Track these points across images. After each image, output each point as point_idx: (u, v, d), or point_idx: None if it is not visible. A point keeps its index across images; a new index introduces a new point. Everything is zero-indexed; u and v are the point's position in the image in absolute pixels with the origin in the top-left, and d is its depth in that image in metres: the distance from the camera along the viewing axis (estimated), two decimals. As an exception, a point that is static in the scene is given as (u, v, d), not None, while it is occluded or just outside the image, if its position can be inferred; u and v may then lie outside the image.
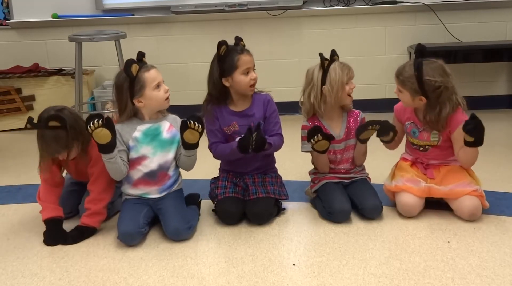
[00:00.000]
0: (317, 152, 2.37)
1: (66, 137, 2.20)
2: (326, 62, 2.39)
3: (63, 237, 2.28)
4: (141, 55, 2.28)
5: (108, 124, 2.13)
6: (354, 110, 2.52)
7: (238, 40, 2.41)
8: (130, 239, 2.20)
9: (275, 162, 2.58)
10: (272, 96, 2.51)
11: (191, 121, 2.15)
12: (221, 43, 2.35)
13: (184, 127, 2.18)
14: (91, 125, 2.09)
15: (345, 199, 2.38)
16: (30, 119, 2.21)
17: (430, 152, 2.41)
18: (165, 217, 2.26)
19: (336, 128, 2.45)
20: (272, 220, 2.41)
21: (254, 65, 2.40)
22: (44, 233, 2.30)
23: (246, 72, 2.36)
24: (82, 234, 2.31)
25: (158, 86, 2.24)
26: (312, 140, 2.30)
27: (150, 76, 2.23)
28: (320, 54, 2.40)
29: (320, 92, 2.41)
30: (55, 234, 2.29)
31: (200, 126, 2.16)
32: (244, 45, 2.41)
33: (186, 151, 2.25)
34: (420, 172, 2.41)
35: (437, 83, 2.29)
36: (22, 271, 2.05)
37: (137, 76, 2.22)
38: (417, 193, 2.33)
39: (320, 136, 2.29)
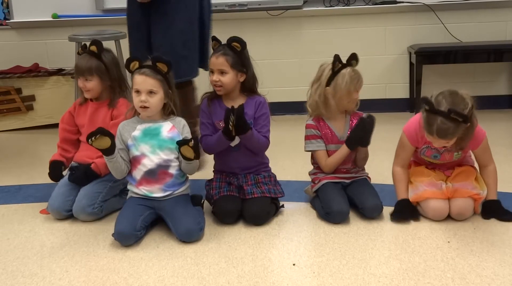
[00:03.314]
0: None
1: (96, 65, 2.51)
2: (339, 65, 2.38)
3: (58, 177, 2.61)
4: (157, 59, 2.26)
5: (103, 131, 2.18)
6: (357, 111, 2.50)
7: (229, 41, 2.41)
8: (124, 239, 2.20)
9: (267, 162, 2.57)
10: (267, 99, 2.50)
11: (189, 140, 2.22)
12: (212, 39, 2.48)
13: (180, 143, 2.23)
14: (90, 141, 2.17)
15: (343, 200, 2.38)
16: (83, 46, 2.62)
17: (447, 163, 2.40)
18: (174, 219, 2.26)
19: (340, 129, 2.45)
20: (271, 220, 2.41)
21: (223, 70, 2.37)
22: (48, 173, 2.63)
23: (211, 71, 2.42)
24: (87, 177, 2.51)
25: (137, 91, 2.25)
26: None
27: (135, 79, 2.26)
28: (336, 56, 2.39)
29: (324, 92, 2.41)
30: (53, 173, 2.61)
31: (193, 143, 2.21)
32: (226, 46, 2.40)
33: (185, 160, 2.28)
34: (438, 171, 2.40)
35: (471, 108, 2.14)
36: (22, 271, 2.05)
37: (133, 72, 2.28)
38: (441, 197, 2.31)
39: None
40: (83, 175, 2.51)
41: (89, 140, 2.17)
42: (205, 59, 2.95)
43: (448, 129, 2.11)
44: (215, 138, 2.39)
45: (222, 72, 2.38)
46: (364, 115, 2.44)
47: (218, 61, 2.38)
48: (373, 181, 2.56)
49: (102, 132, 2.17)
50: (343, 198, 2.39)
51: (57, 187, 2.56)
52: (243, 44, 2.39)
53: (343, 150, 2.41)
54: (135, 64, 2.26)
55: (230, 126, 2.26)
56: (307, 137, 2.49)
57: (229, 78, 2.39)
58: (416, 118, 2.35)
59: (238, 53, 2.39)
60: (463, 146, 2.27)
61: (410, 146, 2.36)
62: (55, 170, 2.61)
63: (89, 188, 2.49)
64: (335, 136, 2.45)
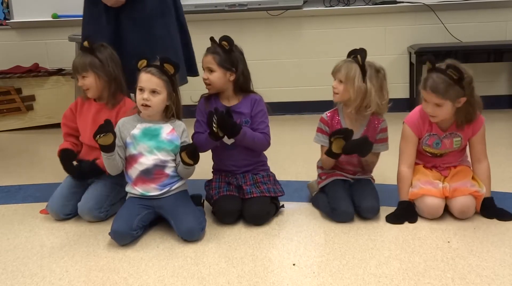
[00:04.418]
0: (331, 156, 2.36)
1: (89, 60, 2.46)
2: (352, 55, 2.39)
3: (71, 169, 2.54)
4: (165, 60, 2.27)
5: (108, 126, 2.18)
6: (380, 117, 2.44)
7: (219, 40, 2.43)
8: (120, 238, 2.20)
9: (265, 160, 2.57)
10: (263, 97, 2.50)
11: (190, 150, 2.24)
12: (210, 40, 2.47)
13: (183, 149, 2.25)
14: (98, 137, 2.18)
15: (350, 201, 2.39)
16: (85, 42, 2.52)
17: (447, 157, 2.40)
18: (175, 217, 2.26)
19: (352, 128, 2.39)
20: (271, 220, 2.41)
21: (210, 68, 2.40)
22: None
23: (203, 69, 2.45)
24: (93, 170, 2.49)
25: (140, 89, 2.26)
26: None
27: (141, 77, 2.26)
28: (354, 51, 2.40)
29: None
30: (66, 166, 2.53)
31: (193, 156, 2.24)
32: (217, 45, 2.42)
33: (183, 164, 2.28)
34: (435, 171, 2.40)
35: (469, 77, 2.21)
36: (22, 271, 2.05)
37: (140, 71, 2.28)
38: (437, 194, 2.31)
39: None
40: (89, 169, 2.49)
41: (97, 136, 2.17)
42: (192, 65, 2.92)
43: (440, 83, 2.18)
44: (205, 136, 2.39)
45: (210, 70, 2.41)
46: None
47: (206, 59, 2.43)
48: (375, 181, 2.55)
49: (109, 129, 2.18)
50: (349, 199, 2.40)
51: (60, 187, 2.54)
52: (231, 42, 2.41)
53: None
54: (143, 62, 2.27)
55: (214, 128, 2.27)
56: (317, 129, 2.49)
57: (217, 76, 2.41)
58: (416, 109, 2.38)
59: (226, 52, 2.40)
60: (467, 119, 2.28)
61: (413, 136, 2.36)
62: (67, 161, 2.52)
63: (97, 189, 2.47)
64: None
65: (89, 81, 2.49)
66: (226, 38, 2.41)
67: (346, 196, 2.40)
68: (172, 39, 2.83)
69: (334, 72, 2.39)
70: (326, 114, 2.48)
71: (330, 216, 2.38)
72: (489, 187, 2.37)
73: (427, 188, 2.32)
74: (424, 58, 2.28)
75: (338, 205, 2.35)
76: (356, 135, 2.37)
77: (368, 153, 2.33)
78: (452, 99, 2.22)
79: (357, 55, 2.35)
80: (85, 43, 2.49)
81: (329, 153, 2.35)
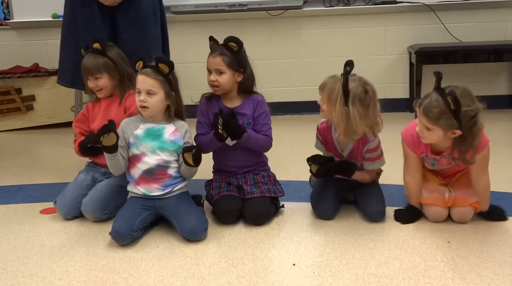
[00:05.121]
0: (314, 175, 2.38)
1: (103, 61, 2.47)
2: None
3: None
4: (159, 60, 2.26)
5: (112, 126, 2.19)
6: (369, 138, 2.33)
7: (225, 41, 2.41)
8: (120, 239, 2.20)
9: (266, 160, 2.57)
10: (264, 97, 2.50)
11: (194, 147, 2.26)
12: (209, 39, 2.45)
13: (186, 149, 2.26)
14: (102, 138, 2.18)
15: (333, 204, 2.40)
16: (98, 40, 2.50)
17: (449, 169, 2.37)
18: (178, 217, 2.26)
19: (342, 144, 2.39)
20: (271, 220, 2.41)
21: (220, 70, 2.37)
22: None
23: (209, 71, 2.42)
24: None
25: (138, 91, 2.27)
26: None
27: (137, 79, 2.27)
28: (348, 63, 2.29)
29: None
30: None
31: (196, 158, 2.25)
32: (223, 46, 2.40)
33: (185, 165, 2.29)
34: (440, 178, 2.39)
35: (473, 111, 2.05)
36: (22, 271, 2.05)
37: (137, 72, 2.29)
38: (443, 204, 2.29)
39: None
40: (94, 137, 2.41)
41: (101, 138, 2.17)
42: None
43: (434, 108, 2.06)
44: (208, 137, 2.40)
45: (219, 72, 2.39)
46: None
47: (215, 60, 2.39)
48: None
49: (112, 128, 2.18)
50: (334, 201, 2.42)
51: (71, 188, 2.52)
52: (239, 44, 2.39)
53: None
54: (139, 64, 2.27)
55: (219, 130, 2.27)
56: (316, 135, 2.49)
57: (226, 78, 2.39)
58: (413, 124, 2.31)
59: (234, 53, 2.39)
60: (459, 155, 2.20)
61: (410, 152, 2.32)
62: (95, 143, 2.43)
63: (105, 190, 2.46)
64: (335, 149, 2.42)
65: (103, 81, 2.51)
66: (234, 39, 2.39)
67: (330, 194, 2.41)
68: (163, 37, 2.85)
69: (320, 89, 2.30)
70: (320, 123, 2.46)
71: (313, 209, 2.42)
72: (488, 200, 2.31)
73: (433, 197, 2.31)
74: (434, 72, 2.12)
75: (318, 203, 2.40)
76: (345, 151, 2.38)
77: (351, 174, 2.36)
78: (443, 128, 2.10)
79: (347, 67, 2.22)
80: (97, 45, 2.49)
81: (312, 173, 2.38)
